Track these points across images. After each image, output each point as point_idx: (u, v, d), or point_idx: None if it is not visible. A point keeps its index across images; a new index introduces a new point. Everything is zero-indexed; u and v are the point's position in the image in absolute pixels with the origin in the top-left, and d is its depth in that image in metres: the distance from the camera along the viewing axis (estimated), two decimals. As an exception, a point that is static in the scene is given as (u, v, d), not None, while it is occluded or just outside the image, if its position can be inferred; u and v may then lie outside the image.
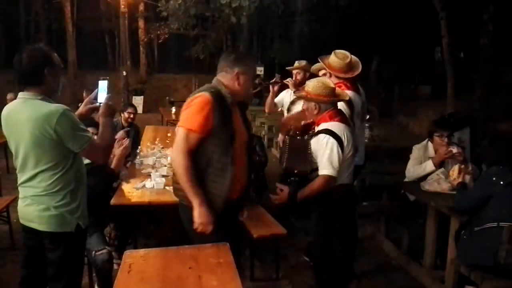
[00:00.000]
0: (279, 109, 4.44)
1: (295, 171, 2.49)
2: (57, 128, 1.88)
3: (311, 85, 2.61)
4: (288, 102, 4.15)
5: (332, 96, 2.58)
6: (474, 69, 9.33)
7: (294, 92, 4.06)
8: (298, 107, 3.89)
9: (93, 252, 2.74)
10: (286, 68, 4.44)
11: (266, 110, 4.57)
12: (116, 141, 3.27)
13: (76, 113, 2.17)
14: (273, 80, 4.27)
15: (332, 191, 2.55)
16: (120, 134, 3.43)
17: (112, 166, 3.18)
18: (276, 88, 4.22)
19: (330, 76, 3.06)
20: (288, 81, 4.18)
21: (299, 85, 4.19)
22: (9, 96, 6.76)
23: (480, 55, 8.00)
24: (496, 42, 8.12)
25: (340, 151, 2.43)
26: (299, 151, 2.53)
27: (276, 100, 4.33)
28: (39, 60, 1.97)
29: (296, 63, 4.29)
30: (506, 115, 7.66)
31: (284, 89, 4.32)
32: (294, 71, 4.27)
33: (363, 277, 3.30)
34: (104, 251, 2.77)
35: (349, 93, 2.90)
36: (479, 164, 3.21)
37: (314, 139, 2.53)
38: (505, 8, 8.45)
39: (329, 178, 2.43)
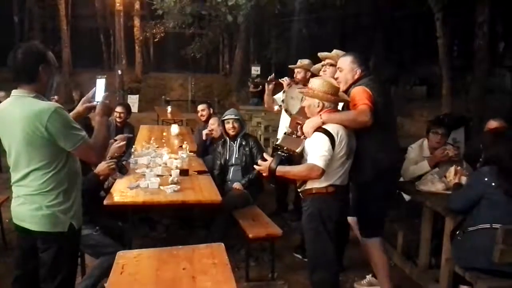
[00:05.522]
0: (276, 108, 4.51)
1: (285, 148, 2.59)
2: (48, 126, 1.85)
3: (316, 82, 2.60)
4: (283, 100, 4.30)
5: (336, 96, 2.59)
6: (469, 70, 9.38)
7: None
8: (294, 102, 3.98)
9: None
10: (289, 66, 4.52)
11: (265, 106, 4.77)
12: (116, 142, 3.25)
13: (74, 111, 2.16)
14: (268, 79, 4.42)
15: (325, 191, 2.56)
16: (120, 137, 3.45)
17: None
18: (271, 86, 4.39)
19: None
20: (284, 80, 4.19)
21: (297, 84, 4.22)
22: (1, 94, 6.68)
23: (475, 56, 8.02)
24: (491, 43, 8.17)
25: (330, 147, 2.43)
26: (292, 141, 2.63)
27: (275, 97, 4.50)
28: (34, 56, 1.95)
29: (299, 62, 4.32)
30: (501, 115, 7.67)
31: (281, 87, 4.38)
32: (296, 70, 4.29)
33: (358, 277, 3.30)
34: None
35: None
36: (474, 163, 3.20)
37: (309, 138, 2.53)
38: (500, 10, 8.51)
39: (313, 167, 2.43)
